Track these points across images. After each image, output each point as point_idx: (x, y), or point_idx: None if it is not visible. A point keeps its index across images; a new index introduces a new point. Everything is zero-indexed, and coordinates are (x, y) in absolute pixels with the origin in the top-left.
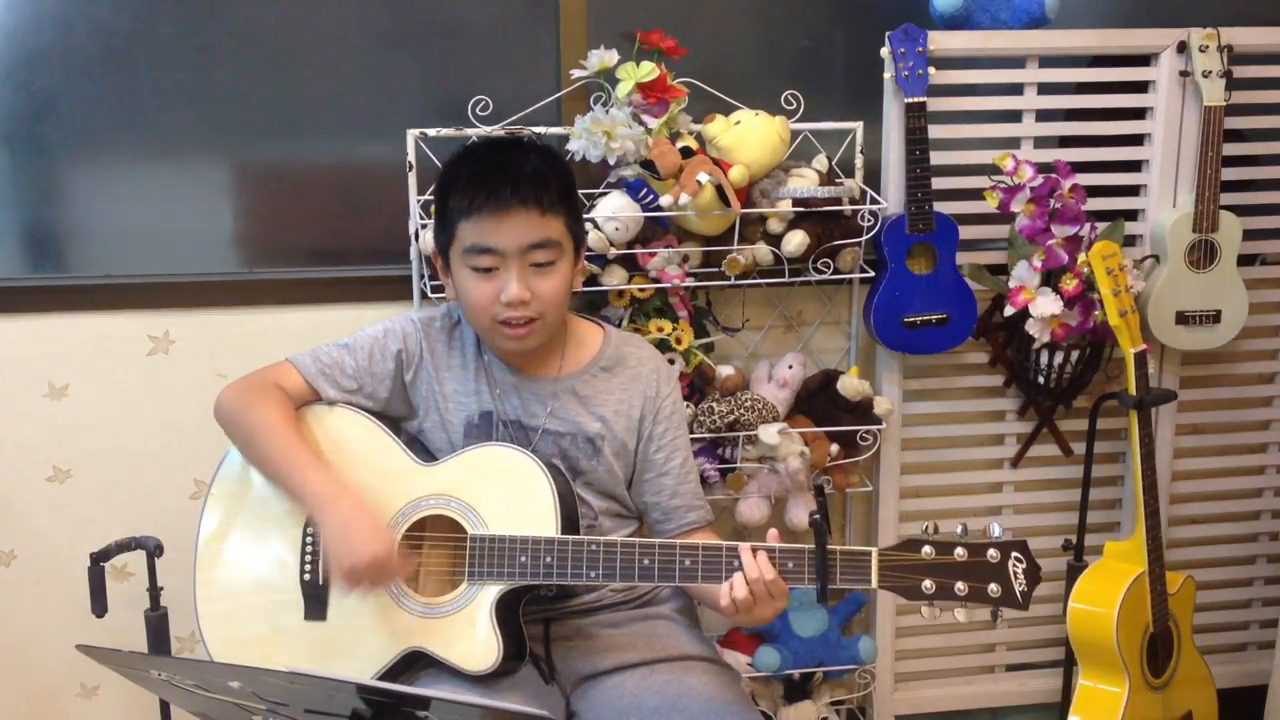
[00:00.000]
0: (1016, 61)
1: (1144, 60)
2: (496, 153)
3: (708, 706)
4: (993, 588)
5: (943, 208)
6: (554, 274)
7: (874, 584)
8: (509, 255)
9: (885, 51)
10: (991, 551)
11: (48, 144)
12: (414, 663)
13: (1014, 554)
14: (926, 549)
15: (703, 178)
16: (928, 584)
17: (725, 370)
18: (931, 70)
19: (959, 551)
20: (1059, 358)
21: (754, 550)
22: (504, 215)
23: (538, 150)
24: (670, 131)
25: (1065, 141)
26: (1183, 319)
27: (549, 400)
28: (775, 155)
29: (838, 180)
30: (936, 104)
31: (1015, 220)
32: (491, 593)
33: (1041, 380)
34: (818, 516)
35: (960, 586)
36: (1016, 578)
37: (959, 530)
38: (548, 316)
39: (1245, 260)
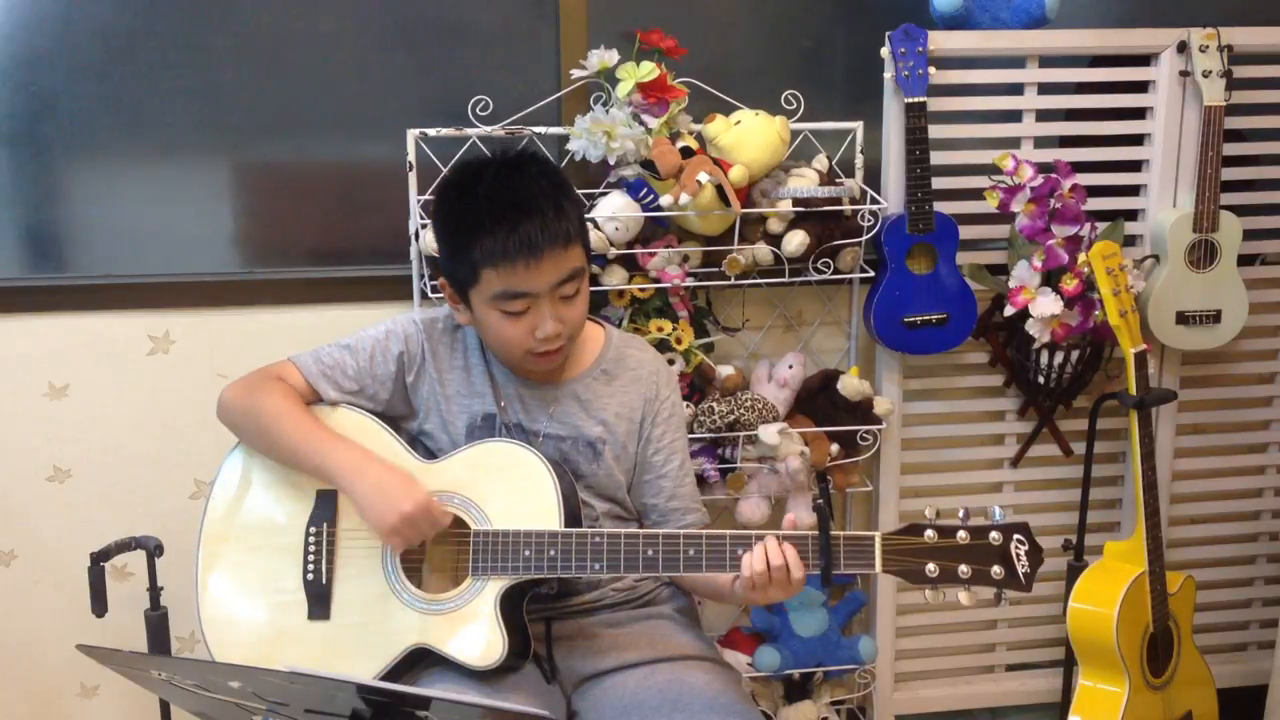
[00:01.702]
0: (1016, 61)
1: (1144, 60)
2: (507, 185)
3: (708, 705)
4: (995, 570)
5: (943, 208)
6: (579, 298)
7: (878, 568)
8: (541, 295)
9: (885, 51)
10: (994, 534)
11: (48, 144)
12: (418, 660)
13: (1016, 536)
14: (929, 532)
15: (703, 178)
16: (931, 567)
17: (725, 370)
18: (931, 70)
19: (961, 534)
20: (1059, 358)
21: (759, 537)
22: (538, 261)
23: (538, 166)
24: (670, 131)
25: (1065, 141)
26: (1183, 319)
27: (551, 404)
28: (775, 155)
29: (838, 180)
30: (936, 104)
31: (1015, 220)
32: (496, 588)
33: (1041, 380)
34: (821, 501)
35: (963, 569)
36: (1019, 559)
37: (961, 514)
38: (575, 336)
39: (1245, 260)
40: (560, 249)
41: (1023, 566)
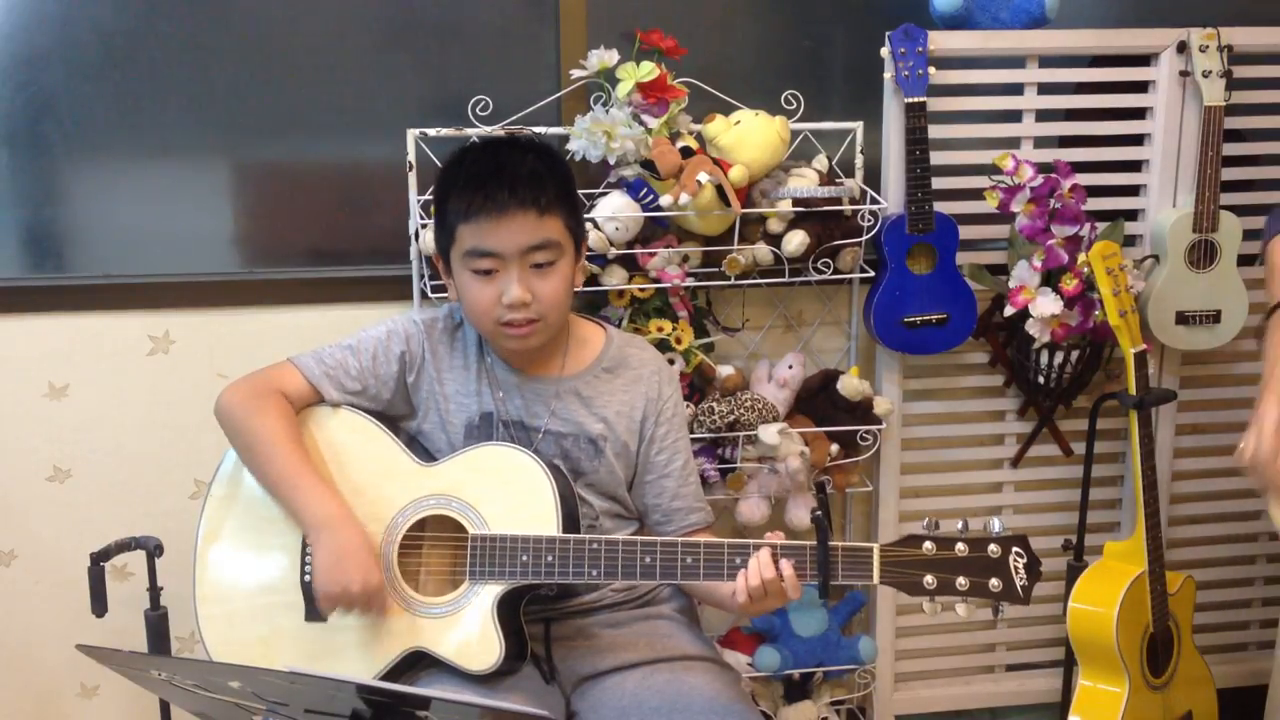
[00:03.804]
0: (1016, 61)
1: (1144, 60)
2: (493, 154)
3: (708, 706)
4: (994, 582)
5: (943, 208)
6: (554, 274)
7: (875, 579)
8: (508, 258)
9: (885, 51)
10: (992, 546)
11: (48, 144)
12: (415, 663)
13: (1015, 549)
14: (927, 544)
15: (703, 178)
16: (929, 579)
17: (725, 370)
18: (931, 70)
19: (960, 547)
20: (1059, 358)
21: (756, 547)
22: (502, 218)
23: (535, 150)
24: (670, 131)
25: (1065, 141)
26: (1183, 319)
27: (551, 401)
28: (775, 155)
29: (838, 180)
30: (936, 104)
31: (1015, 220)
32: (493, 592)
33: (1041, 380)
34: (819, 513)
35: (961, 581)
36: (1017, 572)
37: (960, 526)
38: (549, 317)
39: (1245, 260)
40: (532, 214)
41: (1021, 580)
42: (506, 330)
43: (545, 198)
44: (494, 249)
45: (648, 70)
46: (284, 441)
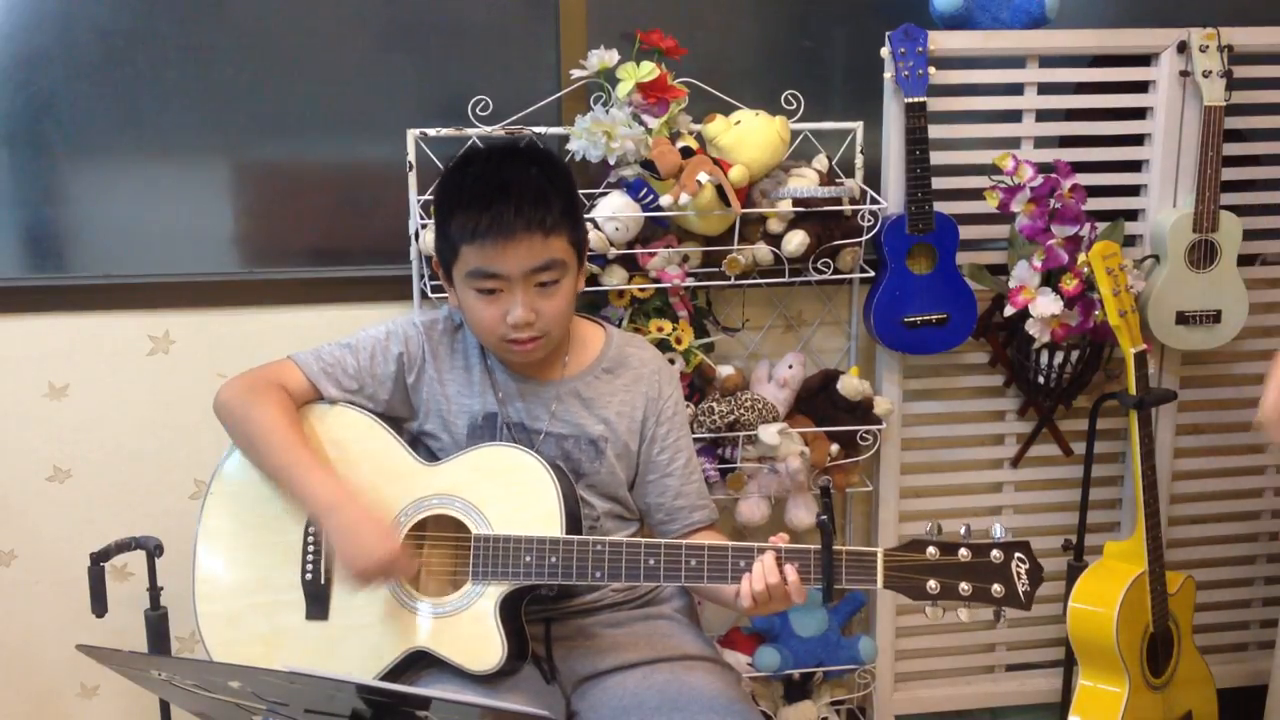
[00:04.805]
0: (1016, 61)
1: (1144, 60)
2: (497, 168)
3: (708, 706)
4: (996, 588)
5: (943, 208)
6: (558, 293)
7: (879, 584)
8: (513, 279)
9: (885, 51)
10: (995, 552)
11: (48, 144)
12: (416, 662)
13: (1017, 555)
14: (931, 549)
15: (703, 178)
16: (932, 584)
17: (725, 370)
18: (932, 70)
19: (963, 552)
20: (1059, 358)
21: (760, 550)
22: (507, 242)
23: (539, 161)
24: (670, 131)
25: (1065, 141)
26: (1183, 319)
27: (552, 402)
28: (775, 155)
29: (838, 180)
30: (936, 104)
31: (1015, 220)
32: (495, 593)
33: (1041, 380)
34: (824, 518)
35: (964, 587)
36: (1019, 578)
37: (962, 531)
38: (553, 333)
39: (1245, 260)
40: (538, 236)
41: (1023, 585)
42: (511, 346)
43: (551, 217)
44: (499, 271)
45: (648, 70)
46: (284, 430)
